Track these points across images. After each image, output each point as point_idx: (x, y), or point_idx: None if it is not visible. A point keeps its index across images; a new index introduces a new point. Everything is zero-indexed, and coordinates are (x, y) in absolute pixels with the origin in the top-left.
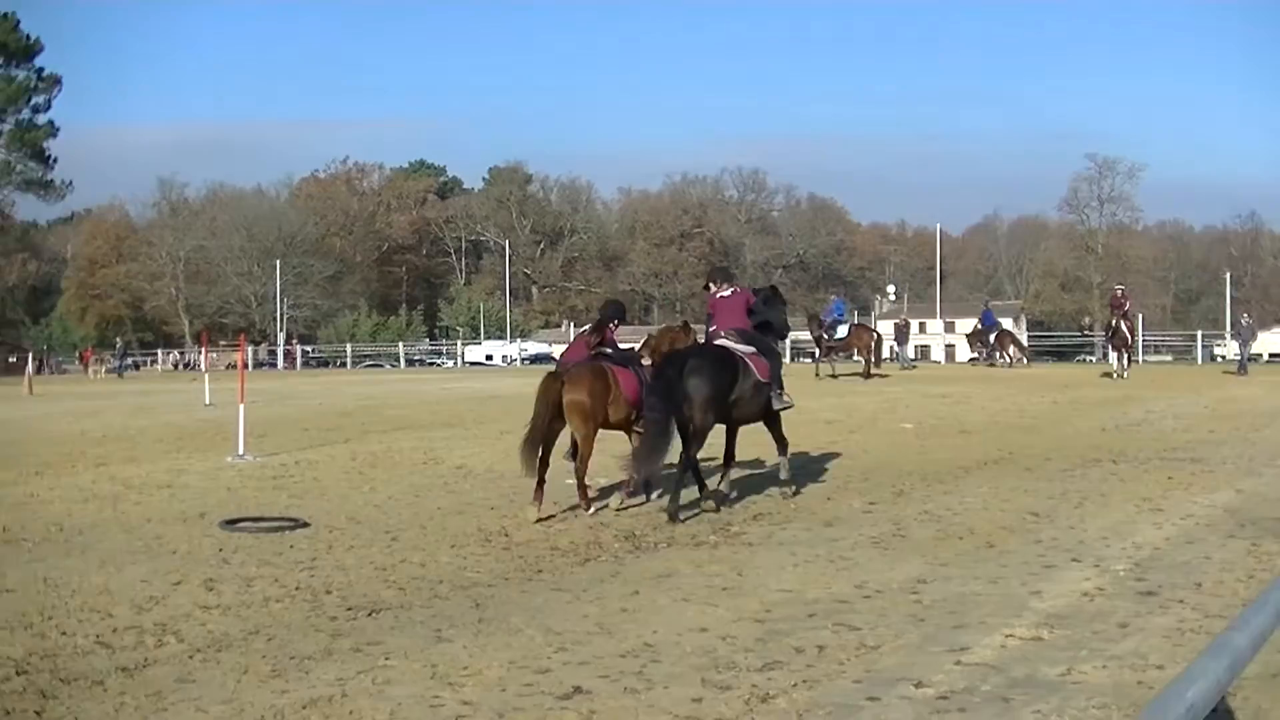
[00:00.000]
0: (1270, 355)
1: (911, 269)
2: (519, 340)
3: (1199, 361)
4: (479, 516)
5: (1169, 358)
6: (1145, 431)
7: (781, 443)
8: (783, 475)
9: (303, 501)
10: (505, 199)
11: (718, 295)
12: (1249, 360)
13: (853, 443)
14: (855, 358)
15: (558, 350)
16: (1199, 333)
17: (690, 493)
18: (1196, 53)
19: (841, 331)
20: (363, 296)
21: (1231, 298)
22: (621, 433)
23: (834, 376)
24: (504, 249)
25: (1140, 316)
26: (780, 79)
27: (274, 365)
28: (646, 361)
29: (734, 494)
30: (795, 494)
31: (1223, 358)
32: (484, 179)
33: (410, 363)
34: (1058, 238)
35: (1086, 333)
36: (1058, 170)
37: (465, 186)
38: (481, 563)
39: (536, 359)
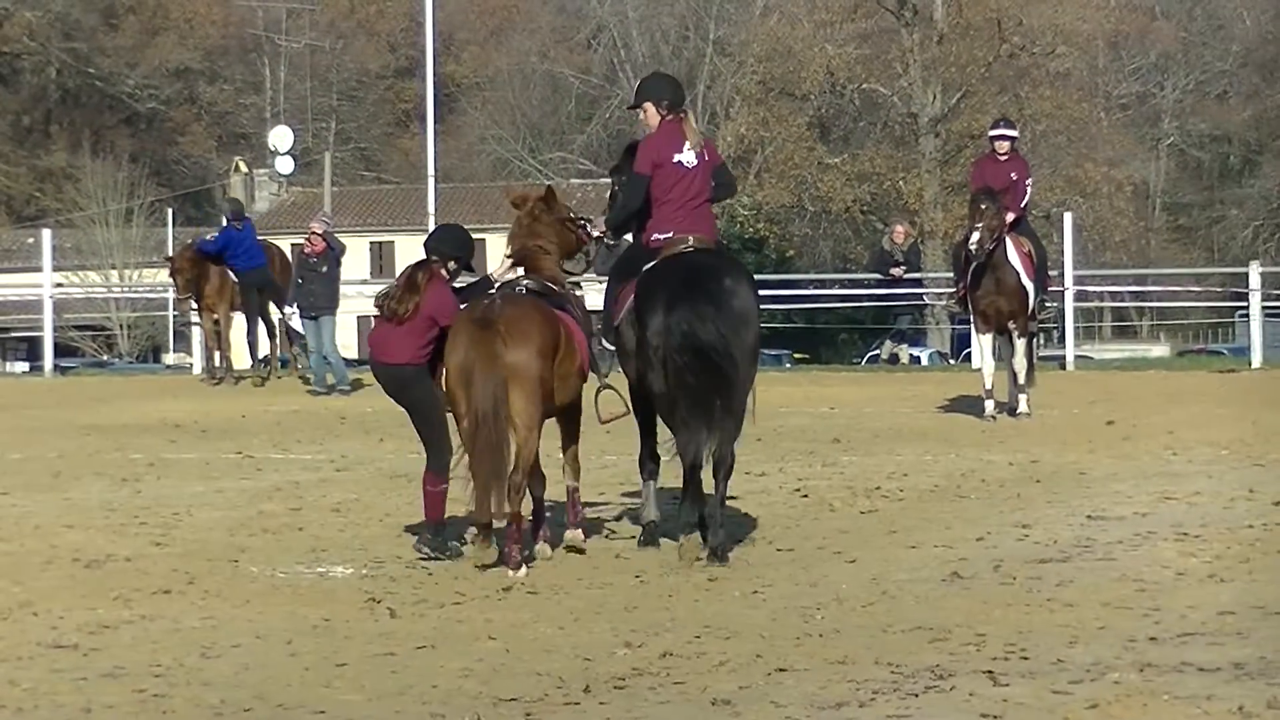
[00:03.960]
0: None
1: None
2: None
3: (1257, 359)
4: None
5: (1162, 349)
6: (1088, 582)
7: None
8: (712, 540)
9: None
10: None
11: (675, 158)
12: None
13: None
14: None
15: None
16: (1256, 270)
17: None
18: None
19: None
20: None
21: None
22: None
23: None
24: None
25: (1067, 222)
26: None
27: None
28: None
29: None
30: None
31: None
32: None
33: None
34: None
35: (896, 273)
36: None
37: None
38: None
39: None
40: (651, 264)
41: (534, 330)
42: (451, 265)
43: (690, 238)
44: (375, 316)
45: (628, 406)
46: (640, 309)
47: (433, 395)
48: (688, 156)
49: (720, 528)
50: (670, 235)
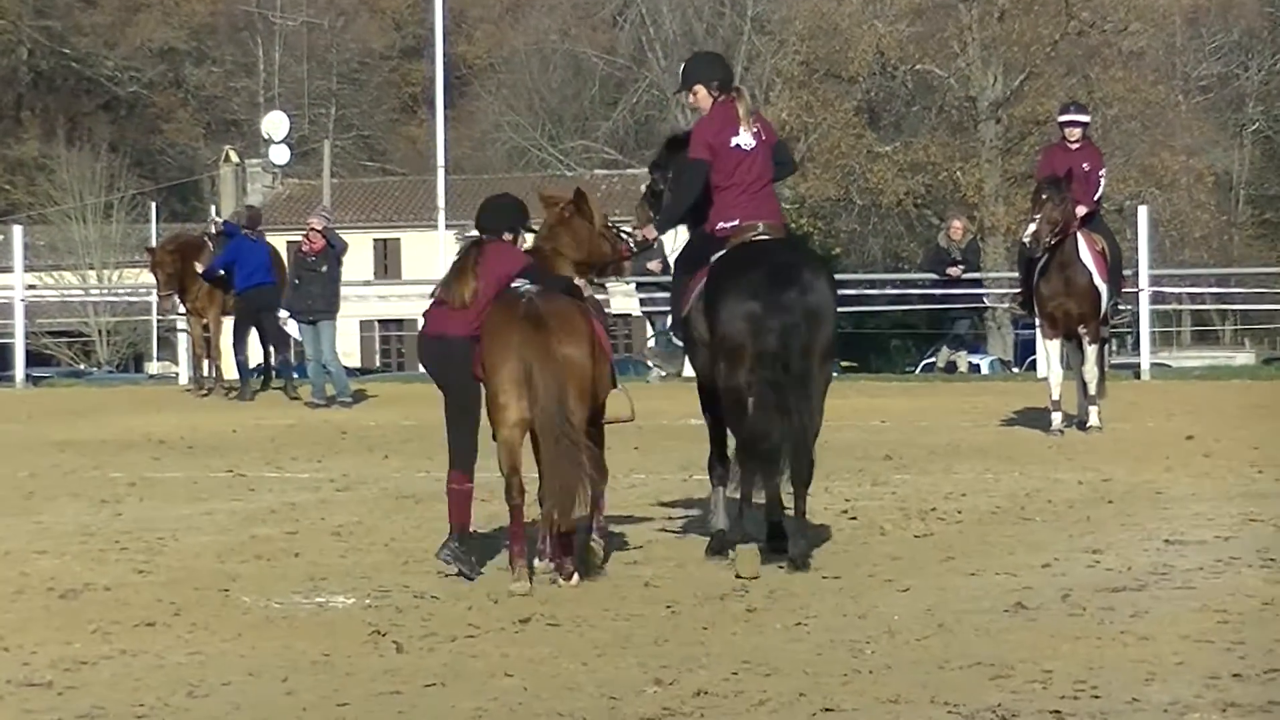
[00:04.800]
0: None
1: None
2: None
3: None
4: None
5: (1247, 355)
6: (1166, 613)
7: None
8: (793, 549)
9: None
10: None
11: (733, 142)
12: None
13: None
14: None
15: None
16: None
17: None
18: None
19: None
20: None
21: None
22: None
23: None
24: None
25: (1141, 216)
26: None
27: None
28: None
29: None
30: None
31: None
32: None
33: None
34: None
35: (953, 272)
36: None
37: None
38: None
39: None
40: (725, 251)
41: (581, 325)
42: (507, 238)
43: (760, 224)
44: (432, 304)
45: (633, 411)
46: (714, 297)
47: (475, 381)
48: (745, 139)
49: (801, 537)
50: (737, 222)
